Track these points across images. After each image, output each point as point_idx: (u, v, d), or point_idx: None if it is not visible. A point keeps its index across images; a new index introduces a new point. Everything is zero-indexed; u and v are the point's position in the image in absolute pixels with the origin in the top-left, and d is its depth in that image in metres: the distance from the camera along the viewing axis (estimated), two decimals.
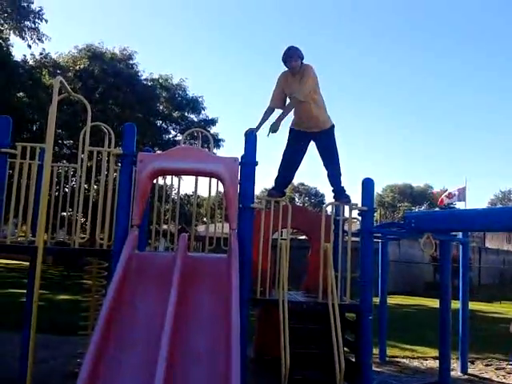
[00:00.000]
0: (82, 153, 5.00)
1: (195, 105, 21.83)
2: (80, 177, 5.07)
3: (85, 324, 4.88)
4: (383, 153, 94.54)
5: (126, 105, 19.74)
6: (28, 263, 4.65)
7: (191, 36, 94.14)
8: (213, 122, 22.28)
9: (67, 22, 73.28)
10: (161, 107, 21.77)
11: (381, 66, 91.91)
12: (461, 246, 7.20)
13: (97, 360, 2.97)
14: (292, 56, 5.26)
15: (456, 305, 6.81)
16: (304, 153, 5.61)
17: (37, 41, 18.32)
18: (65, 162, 16.77)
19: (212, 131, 21.59)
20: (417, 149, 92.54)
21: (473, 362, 7.19)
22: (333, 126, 5.51)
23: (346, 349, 4.76)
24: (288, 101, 5.49)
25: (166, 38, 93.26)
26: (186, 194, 21.33)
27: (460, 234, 6.76)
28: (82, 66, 19.46)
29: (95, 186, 6.80)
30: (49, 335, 6.81)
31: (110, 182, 4.94)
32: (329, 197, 5.27)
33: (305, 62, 5.33)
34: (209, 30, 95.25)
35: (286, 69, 5.41)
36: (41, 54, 19.70)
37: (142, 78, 21.26)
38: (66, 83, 4.33)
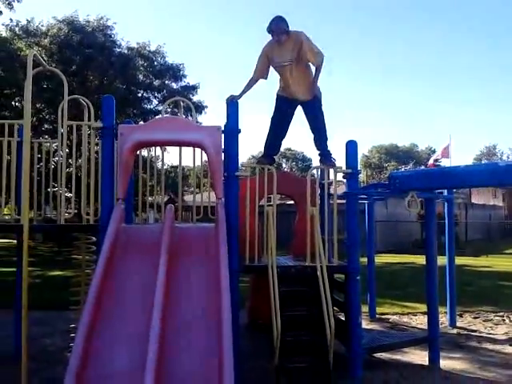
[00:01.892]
0: (62, 127, 4.91)
1: (175, 72, 21.43)
2: (61, 152, 5.01)
3: (76, 299, 4.90)
4: (369, 114, 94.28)
5: (105, 76, 19.33)
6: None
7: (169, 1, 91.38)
8: (194, 88, 21.88)
9: None
10: (141, 76, 21.34)
11: (364, 27, 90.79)
12: (446, 203, 7.29)
13: (89, 334, 2.99)
14: (274, 30, 5.19)
15: (443, 260, 6.95)
16: (291, 119, 5.63)
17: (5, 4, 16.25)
18: (47, 137, 16.52)
19: (195, 98, 21.28)
20: (401, 108, 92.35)
21: (461, 316, 7.40)
22: (320, 93, 5.50)
23: (335, 308, 4.86)
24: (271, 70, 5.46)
25: (144, 3, 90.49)
26: (172, 165, 21.21)
27: (445, 192, 6.84)
28: (54, 31, 18.84)
29: (79, 160, 6.72)
30: (43, 312, 6.87)
31: (92, 156, 4.87)
32: (316, 161, 5.33)
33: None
34: None
35: (271, 38, 5.34)
36: (10, 21, 18.79)
37: (120, 46, 20.75)
38: (39, 56, 4.21)
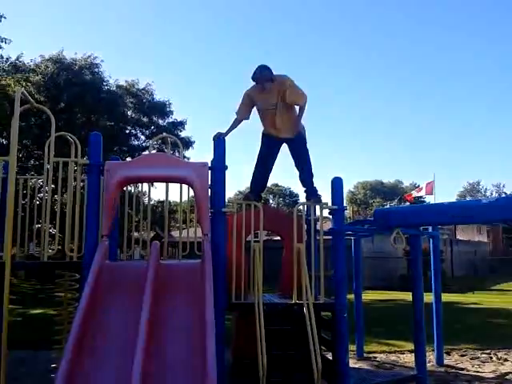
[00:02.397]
0: (48, 163, 4.90)
1: (162, 109, 21.62)
2: (46, 188, 4.98)
3: (59, 338, 4.78)
4: (353, 151, 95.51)
5: (93, 113, 19.43)
6: None
7: (157, 38, 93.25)
8: (181, 124, 22.04)
9: (24, 29, 72.03)
10: (129, 113, 21.48)
11: (346, 62, 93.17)
12: (431, 240, 7.33)
13: (71, 374, 2.91)
14: (259, 78, 5.33)
15: (430, 297, 6.93)
16: (276, 156, 5.70)
17: None
18: (33, 173, 16.42)
19: (183, 134, 21.44)
20: (386, 145, 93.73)
21: (448, 353, 7.33)
22: (304, 130, 5.59)
23: (323, 347, 4.79)
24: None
25: (131, 42, 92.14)
26: (159, 200, 21.15)
27: (430, 228, 6.88)
28: (42, 69, 19.03)
29: (65, 196, 6.68)
30: (24, 351, 6.68)
31: (78, 193, 4.85)
32: (303, 196, 5.39)
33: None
34: (177, 32, 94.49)
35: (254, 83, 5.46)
36: (0, 57, 18.89)
37: (109, 83, 20.95)
38: (27, 94, 4.24)
